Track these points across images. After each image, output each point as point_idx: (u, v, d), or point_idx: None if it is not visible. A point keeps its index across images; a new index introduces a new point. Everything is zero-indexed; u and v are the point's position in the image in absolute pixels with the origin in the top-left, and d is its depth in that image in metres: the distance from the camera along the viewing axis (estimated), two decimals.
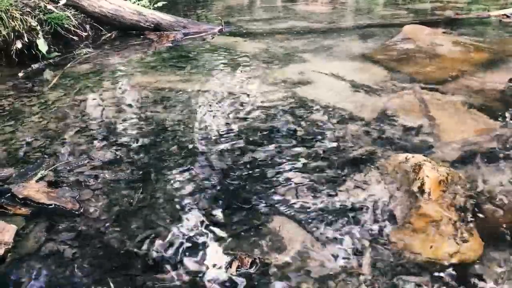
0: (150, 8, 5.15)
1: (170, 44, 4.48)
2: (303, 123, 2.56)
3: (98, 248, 1.63)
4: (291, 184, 1.99)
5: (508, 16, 5.21)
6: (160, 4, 5.49)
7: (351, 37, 4.59)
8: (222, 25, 4.98)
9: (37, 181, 2.00)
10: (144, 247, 1.63)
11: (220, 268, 1.53)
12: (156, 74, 3.55)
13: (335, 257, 1.57)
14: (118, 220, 1.78)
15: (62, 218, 1.79)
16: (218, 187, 1.98)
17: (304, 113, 2.69)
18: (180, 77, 3.43)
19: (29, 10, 4.00)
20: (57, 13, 4.23)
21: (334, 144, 2.31)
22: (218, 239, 1.66)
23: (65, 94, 3.10)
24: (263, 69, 3.55)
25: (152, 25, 4.78)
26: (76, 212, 1.83)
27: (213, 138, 2.42)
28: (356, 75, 3.33)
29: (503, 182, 1.93)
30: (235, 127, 2.54)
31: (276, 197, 1.90)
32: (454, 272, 1.49)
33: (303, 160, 2.17)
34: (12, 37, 3.73)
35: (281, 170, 2.09)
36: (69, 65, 3.79)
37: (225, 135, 2.45)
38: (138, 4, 5.05)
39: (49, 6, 4.24)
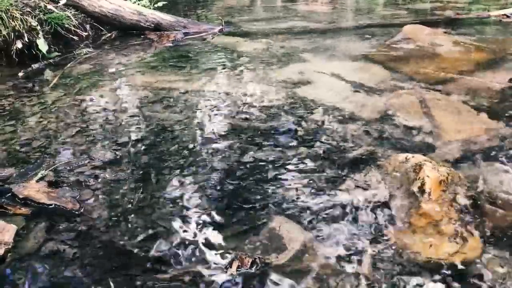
0: (150, 8, 5.15)
1: (170, 44, 4.48)
2: (303, 123, 2.56)
3: (98, 248, 1.63)
4: (291, 184, 1.99)
5: (508, 16, 5.21)
6: (160, 4, 5.49)
7: (351, 37, 4.59)
8: (222, 25, 4.98)
9: (37, 181, 2.00)
10: (145, 247, 1.63)
11: (220, 268, 1.53)
12: (156, 74, 3.55)
13: (335, 257, 1.57)
14: (118, 220, 1.78)
15: (62, 218, 1.79)
16: (218, 187, 1.98)
17: (304, 113, 2.69)
18: (181, 77, 3.43)
19: (29, 10, 4.00)
20: (57, 13, 4.23)
21: (334, 144, 2.31)
22: (218, 239, 1.66)
23: (65, 94, 3.11)
24: (263, 69, 3.55)
25: (152, 25, 4.78)
26: (76, 212, 1.83)
27: (213, 138, 2.42)
28: (356, 75, 3.33)
29: (504, 182, 1.93)
30: (235, 127, 2.54)
31: (276, 197, 1.90)
32: (454, 272, 1.49)
33: (303, 160, 2.17)
34: (12, 37, 3.73)
35: (281, 170, 2.09)
36: (69, 65, 3.79)
37: (225, 135, 2.45)
38: (138, 4, 5.05)
39: (49, 6, 4.24)
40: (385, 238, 1.65)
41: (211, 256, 1.58)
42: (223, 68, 3.63)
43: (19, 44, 3.75)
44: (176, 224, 1.75)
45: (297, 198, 1.88)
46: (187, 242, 1.65)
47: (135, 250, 1.62)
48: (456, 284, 1.44)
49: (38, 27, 3.92)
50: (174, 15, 5.06)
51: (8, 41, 3.72)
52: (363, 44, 4.24)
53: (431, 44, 4.04)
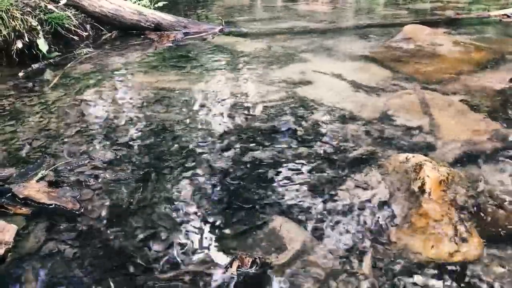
0: (150, 8, 5.16)
1: (171, 44, 4.48)
2: (303, 123, 2.56)
3: (98, 248, 1.64)
4: (291, 184, 1.99)
5: (508, 16, 5.21)
6: (160, 4, 5.49)
7: (351, 37, 4.59)
8: (223, 25, 4.98)
9: (37, 181, 2.00)
10: (145, 247, 1.63)
11: (220, 267, 1.53)
12: (157, 74, 3.55)
13: (336, 257, 1.57)
14: (118, 220, 1.78)
15: (63, 218, 1.80)
16: (219, 187, 1.98)
17: (304, 113, 2.69)
18: (181, 77, 3.43)
19: (30, 10, 4.00)
20: (58, 13, 4.23)
21: (335, 144, 2.31)
22: (219, 239, 1.66)
23: (65, 94, 3.11)
24: (263, 69, 3.55)
25: (153, 25, 4.78)
26: (77, 212, 1.83)
27: (213, 138, 2.42)
28: (357, 75, 3.33)
29: (504, 182, 1.93)
30: (235, 127, 2.54)
31: (277, 197, 1.90)
32: (454, 272, 1.49)
33: (303, 160, 2.17)
34: (12, 37, 3.73)
35: (281, 169, 2.09)
36: (69, 65, 3.79)
37: (225, 135, 2.45)
38: (138, 4, 5.05)
39: (50, 6, 4.24)
40: (385, 238, 1.65)
41: (211, 256, 1.58)
42: (224, 68, 3.63)
43: (19, 44, 3.75)
44: (176, 224, 1.75)
45: (297, 198, 1.88)
46: (187, 242, 1.65)
47: (135, 250, 1.62)
48: (456, 284, 1.44)
49: (39, 27, 3.92)
50: (175, 15, 5.06)
51: (9, 41, 3.73)
52: (363, 44, 4.24)
53: (431, 44, 4.04)
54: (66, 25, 4.27)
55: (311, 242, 1.64)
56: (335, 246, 1.62)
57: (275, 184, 1.98)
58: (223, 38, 4.65)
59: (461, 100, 2.79)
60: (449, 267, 1.51)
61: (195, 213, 1.81)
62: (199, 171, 2.10)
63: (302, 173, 2.06)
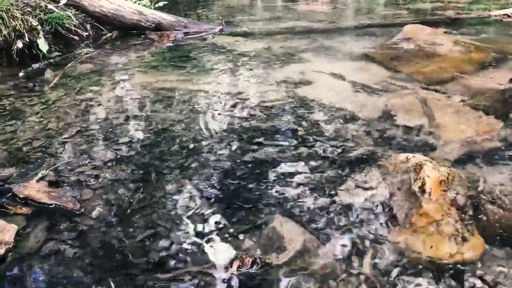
0: (150, 8, 5.16)
1: (171, 44, 4.48)
2: (303, 123, 2.56)
3: (98, 247, 1.64)
4: (291, 183, 1.99)
5: (509, 16, 5.21)
6: (160, 4, 5.49)
7: (351, 37, 4.59)
8: (223, 24, 4.98)
9: (38, 181, 2.00)
10: (145, 246, 1.63)
11: (220, 267, 1.53)
12: (157, 73, 3.55)
13: (336, 257, 1.57)
14: (118, 219, 1.78)
15: (63, 218, 1.80)
16: (219, 187, 1.98)
17: (304, 113, 2.69)
18: (181, 77, 3.43)
19: (30, 9, 4.01)
20: (58, 12, 4.23)
21: (335, 144, 2.31)
22: (219, 239, 1.66)
23: (65, 94, 3.11)
24: (263, 69, 3.55)
25: (153, 25, 4.78)
26: (77, 212, 1.83)
27: (214, 138, 2.42)
28: (357, 75, 3.33)
29: (504, 182, 1.93)
30: (235, 126, 2.54)
31: (277, 197, 1.90)
32: (454, 272, 1.49)
33: (303, 160, 2.17)
34: (13, 36, 3.73)
35: (281, 169, 2.09)
36: (69, 64, 3.79)
37: (225, 135, 2.45)
38: (138, 4, 5.05)
39: (50, 6, 4.24)
40: (385, 238, 1.65)
41: (212, 255, 1.58)
42: (224, 68, 3.63)
43: (19, 44, 3.75)
44: (176, 224, 1.75)
45: (298, 198, 1.88)
46: (187, 242, 1.65)
47: (136, 250, 1.62)
48: (456, 284, 1.44)
49: (39, 27, 3.92)
50: (175, 15, 5.06)
51: (9, 40, 3.73)
52: (363, 44, 4.24)
53: (432, 44, 4.04)
54: (67, 25, 4.27)
55: (311, 242, 1.64)
56: (335, 246, 1.62)
57: (275, 184, 1.98)
58: (223, 38, 4.65)
59: (461, 100, 2.79)
60: (450, 267, 1.51)
61: (195, 213, 1.81)
62: (199, 171, 2.10)
63: (302, 173, 2.06)
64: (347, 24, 5.29)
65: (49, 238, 1.68)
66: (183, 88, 3.17)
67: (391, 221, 1.72)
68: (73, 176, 2.07)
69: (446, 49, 3.89)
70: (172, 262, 1.56)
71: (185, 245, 1.63)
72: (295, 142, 2.35)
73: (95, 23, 4.68)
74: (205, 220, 1.77)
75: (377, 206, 1.81)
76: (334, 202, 1.85)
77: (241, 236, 1.67)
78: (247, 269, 1.51)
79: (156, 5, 5.42)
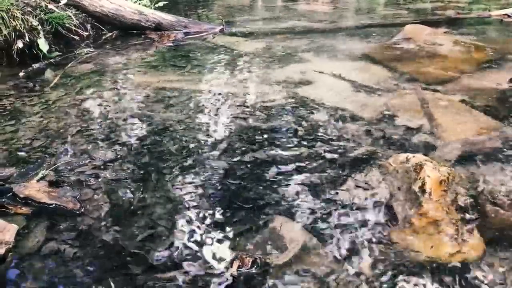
0: (151, 8, 5.15)
1: (171, 44, 4.48)
2: (304, 123, 2.56)
3: (99, 247, 1.64)
4: (292, 183, 1.98)
5: (509, 16, 5.21)
6: (161, 3, 5.49)
7: (352, 36, 4.59)
8: (223, 24, 4.98)
9: (38, 181, 2.00)
10: (145, 246, 1.63)
11: (221, 267, 1.53)
12: (157, 73, 3.55)
13: (336, 256, 1.57)
14: (118, 219, 1.78)
15: (63, 218, 1.80)
16: (219, 187, 1.98)
17: (305, 113, 2.69)
18: (181, 77, 3.43)
19: (30, 9, 4.00)
20: (58, 12, 4.23)
21: (335, 144, 2.31)
22: (219, 239, 1.66)
23: (66, 94, 3.11)
24: (264, 69, 3.55)
25: (153, 25, 4.78)
26: (77, 212, 1.83)
27: (214, 137, 2.42)
28: (357, 75, 3.33)
29: (504, 182, 1.93)
30: (236, 126, 2.54)
31: (277, 197, 1.90)
32: (454, 272, 1.49)
33: (304, 160, 2.16)
34: (13, 36, 3.73)
35: (282, 169, 2.09)
36: (70, 64, 3.79)
37: (225, 135, 2.45)
38: (139, 4, 5.05)
39: (50, 6, 4.24)
40: (385, 238, 1.65)
41: (212, 255, 1.58)
42: (224, 68, 3.63)
43: (20, 44, 3.75)
44: (177, 224, 1.75)
45: (298, 198, 1.88)
46: (187, 242, 1.65)
47: (136, 250, 1.62)
48: (456, 284, 1.44)
49: (39, 27, 3.92)
50: (175, 15, 5.06)
51: (9, 40, 3.72)
52: (363, 44, 4.24)
53: (432, 44, 4.04)
54: (67, 25, 4.27)
55: (311, 242, 1.63)
56: (336, 246, 1.62)
57: (275, 184, 1.98)
58: (223, 38, 4.65)
59: (461, 100, 2.79)
60: (450, 267, 1.51)
61: (196, 213, 1.81)
62: (199, 171, 2.10)
63: (303, 173, 2.06)
64: (347, 24, 5.29)
65: (49, 238, 1.68)
66: (183, 88, 3.17)
67: (391, 221, 1.72)
68: (73, 176, 2.07)
69: (446, 49, 3.89)
70: (172, 262, 1.56)
71: (185, 245, 1.63)
72: (295, 142, 2.35)
73: (95, 23, 4.68)
74: (205, 220, 1.77)
75: (377, 206, 1.81)
76: (334, 202, 1.85)
77: (241, 236, 1.67)
78: (247, 269, 1.51)
79: (156, 5, 5.42)
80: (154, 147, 2.33)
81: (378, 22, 5.32)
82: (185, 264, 1.55)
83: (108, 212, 1.83)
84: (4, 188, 1.96)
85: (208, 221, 1.76)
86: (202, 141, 2.39)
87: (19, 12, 3.82)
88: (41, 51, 3.84)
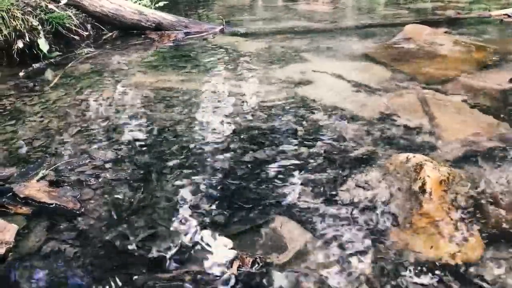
0: (151, 8, 5.16)
1: (171, 44, 4.48)
2: (304, 122, 2.56)
3: (99, 247, 1.64)
4: (292, 183, 1.99)
5: (509, 16, 5.21)
6: (161, 3, 5.49)
7: (352, 36, 4.59)
8: (223, 24, 4.98)
9: (38, 181, 2.01)
10: (145, 246, 1.63)
11: (221, 267, 1.53)
12: (157, 73, 3.55)
13: (336, 257, 1.57)
14: (119, 219, 1.78)
15: (63, 218, 1.80)
16: (219, 187, 1.98)
17: (305, 112, 2.69)
18: (181, 77, 3.43)
19: (30, 9, 4.01)
20: (58, 12, 4.23)
21: (335, 144, 2.31)
22: (219, 239, 1.66)
23: (66, 94, 3.11)
24: (264, 69, 3.55)
25: (153, 25, 4.78)
26: (77, 212, 1.83)
27: (214, 137, 2.42)
28: (357, 74, 3.33)
29: (505, 182, 1.93)
30: (236, 126, 2.54)
31: (277, 197, 1.90)
32: (455, 272, 1.49)
33: (304, 160, 2.17)
34: (13, 36, 3.74)
35: (282, 169, 2.09)
36: (70, 64, 3.79)
37: (226, 135, 2.45)
38: (139, 4, 5.05)
39: (51, 6, 4.25)
40: (386, 238, 1.65)
41: (212, 255, 1.58)
42: (224, 68, 3.63)
43: (20, 44, 3.76)
44: (177, 223, 1.75)
45: (298, 198, 1.88)
46: (187, 242, 1.65)
47: (136, 250, 1.62)
48: (456, 284, 1.44)
49: (39, 27, 3.92)
50: (175, 15, 5.07)
51: (9, 40, 3.73)
52: (364, 44, 4.24)
53: (432, 44, 4.03)
54: (67, 25, 4.28)
55: (311, 242, 1.64)
56: (336, 246, 1.62)
57: (275, 184, 1.98)
58: (223, 38, 4.65)
59: (461, 100, 2.79)
60: (450, 267, 1.51)
61: (196, 213, 1.81)
62: (199, 171, 2.11)
63: (303, 173, 2.06)
64: (347, 24, 5.29)
65: (50, 238, 1.68)
66: (183, 88, 3.17)
67: (392, 221, 1.72)
68: (74, 176, 2.07)
69: (447, 49, 3.89)
70: (172, 262, 1.56)
71: (185, 245, 1.63)
72: (295, 142, 2.35)
73: (95, 23, 4.69)
74: (205, 220, 1.77)
75: (377, 206, 1.81)
76: (334, 202, 1.85)
77: (241, 236, 1.67)
78: (248, 269, 1.51)
79: (157, 5, 5.43)
80: (154, 147, 2.33)
81: (378, 22, 5.32)
82: (185, 264, 1.55)
83: (108, 212, 1.83)
84: (4, 188, 1.96)
85: (208, 221, 1.76)
86: (202, 141, 2.39)
87: (19, 12, 3.83)
88: (41, 51, 3.84)
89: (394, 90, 3.01)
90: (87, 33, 4.54)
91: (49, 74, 3.62)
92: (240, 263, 1.53)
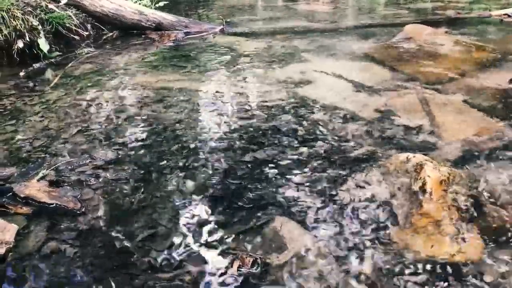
0: (151, 8, 5.16)
1: (172, 44, 4.49)
2: (304, 122, 2.56)
3: (99, 247, 1.64)
4: (292, 183, 1.98)
5: (509, 16, 5.21)
6: (161, 3, 5.50)
7: (352, 36, 4.59)
8: (224, 24, 4.98)
9: (38, 181, 2.01)
10: (145, 246, 1.63)
11: (221, 267, 1.53)
12: (158, 73, 3.55)
13: (336, 256, 1.57)
14: (119, 219, 1.78)
15: (64, 218, 1.80)
16: (219, 187, 1.98)
17: (305, 112, 2.69)
18: (182, 77, 3.43)
19: (31, 9, 4.01)
20: (59, 12, 4.23)
21: (335, 144, 2.31)
22: (219, 239, 1.66)
23: (66, 94, 3.11)
24: (264, 69, 3.55)
25: (154, 25, 4.78)
26: (78, 212, 1.83)
27: (214, 137, 2.42)
28: (357, 74, 3.33)
29: (505, 182, 1.93)
30: (236, 126, 2.54)
31: (277, 197, 1.90)
32: (455, 272, 1.49)
33: (304, 160, 2.16)
34: (13, 36, 3.74)
35: (282, 169, 2.09)
36: (70, 64, 3.79)
37: (226, 135, 2.45)
38: (139, 4, 5.05)
39: (51, 6, 4.25)
40: (386, 238, 1.65)
41: (212, 255, 1.58)
42: (224, 68, 3.63)
43: (20, 44, 3.76)
44: (177, 223, 1.75)
45: (298, 198, 1.88)
46: (188, 242, 1.65)
47: (136, 250, 1.62)
48: (457, 284, 1.44)
49: (39, 27, 3.92)
50: (175, 15, 5.07)
51: (10, 40, 3.73)
52: (364, 44, 4.24)
53: (432, 44, 4.03)
54: (67, 25, 4.28)
55: (311, 242, 1.63)
56: (336, 246, 1.62)
57: (275, 184, 1.98)
58: (224, 38, 4.65)
59: (462, 100, 2.79)
60: (450, 267, 1.51)
61: (196, 213, 1.81)
62: (199, 170, 2.11)
63: (303, 173, 2.06)
64: (347, 24, 5.29)
65: (50, 238, 1.68)
66: (183, 88, 3.17)
67: (392, 221, 1.72)
68: (74, 176, 2.07)
69: (447, 49, 3.89)
70: (172, 262, 1.56)
71: (185, 245, 1.63)
72: (295, 141, 2.35)
73: (95, 23, 4.69)
74: (205, 220, 1.77)
75: (377, 206, 1.81)
76: (334, 202, 1.85)
77: (241, 236, 1.67)
78: (248, 269, 1.51)
79: (157, 5, 5.43)
80: (155, 147, 2.33)
81: (378, 22, 5.32)
82: (185, 264, 1.55)
83: (108, 212, 1.83)
84: (5, 187, 1.96)
85: (208, 221, 1.76)
86: (202, 141, 2.39)
87: (20, 12, 3.83)
88: (41, 51, 3.84)
89: (394, 90, 3.01)
90: (87, 33, 4.54)
91: (49, 74, 3.62)
92: (240, 263, 1.53)
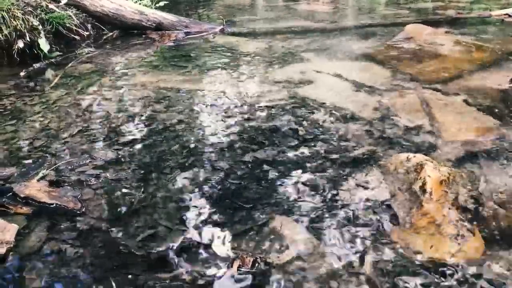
0: (151, 8, 5.16)
1: (172, 44, 4.48)
2: (304, 122, 2.56)
3: (99, 247, 1.64)
4: (292, 183, 1.98)
5: (510, 16, 5.20)
6: (161, 3, 5.50)
7: (352, 36, 4.59)
8: (224, 24, 4.98)
9: (38, 181, 2.01)
10: (145, 246, 1.63)
11: (221, 267, 1.53)
12: (158, 73, 3.55)
13: (337, 256, 1.57)
14: (119, 219, 1.78)
15: (64, 218, 1.80)
16: (220, 187, 1.98)
17: (305, 112, 2.69)
18: (182, 77, 3.43)
19: (31, 9, 4.01)
20: (59, 12, 4.23)
21: (336, 144, 2.31)
22: (220, 239, 1.66)
23: (66, 94, 3.11)
24: (264, 69, 3.55)
25: (154, 25, 4.78)
26: (78, 212, 1.83)
27: (214, 137, 2.42)
28: (358, 74, 3.33)
29: (505, 182, 1.93)
30: (236, 126, 2.54)
31: (278, 197, 1.90)
32: (455, 272, 1.49)
33: (304, 160, 2.16)
34: (13, 36, 3.74)
35: (282, 169, 2.09)
36: (70, 64, 3.79)
37: (226, 135, 2.45)
38: (139, 4, 5.05)
39: (51, 6, 4.25)
40: (386, 237, 1.65)
41: (212, 255, 1.58)
42: (225, 68, 3.63)
43: (20, 44, 3.76)
44: (177, 223, 1.75)
45: (299, 198, 1.88)
46: (188, 242, 1.65)
47: (136, 250, 1.62)
48: (457, 284, 1.44)
49: (40, 27, 3.92)
50: (176, 15, 5.07)
51: (10, 40, 3.73)
52: (364, 44, 4.24)
53: (433, 44, 4.03)
54: (67, 25, 4.28)
55: (312, 242, 1.63)
56: (336, 246, 1.62)
57: (276, 184, 1.98)
58: (224, 38, 4.65)
59: (462, 100, 2.79)
60: (451, 267, 1.51)
61: (196, 212, 1.81)
62: (200, 170, 2.11)
63: (304, 172, 2.06)
64: (348, 24, 5.29)
65: (50, 238, 1.68)
66: (184, 87, 3.17)
67: (392, 221, 1.72)
68: (74, 176, 2.07)
69: (447, 49, 3.89)
70: (172, 262, 1.56)
71: (185, 245, 1.63)
72: (295, 141, 2.35)
73: (96, 23, 4.69)
74: (205, 220, 1.77)
75: (378, 206, 1.81)
76: (335, 202, 1.85)
77: (241, 236, 1.67)
78: (248, 269, 1.51)
79: (157, 5, 5.43)
80: (155, 147, 2.33)
81: (378, 22, 5.32)
82: (185, 264, 1.55)
83: (108, 212, 1.83)
84: (5, 187, 1.96)
85: (208, 221, 1.76)
86: (202, 141, 2.39)
87: (20, 12, 3.83)
88: (41, 50, 3.85)
89: (394, 90, 3.00)
90: (87, 33, 4.54)
91: (49, 74, 3.62)
92: (241, 263, 1.53)
